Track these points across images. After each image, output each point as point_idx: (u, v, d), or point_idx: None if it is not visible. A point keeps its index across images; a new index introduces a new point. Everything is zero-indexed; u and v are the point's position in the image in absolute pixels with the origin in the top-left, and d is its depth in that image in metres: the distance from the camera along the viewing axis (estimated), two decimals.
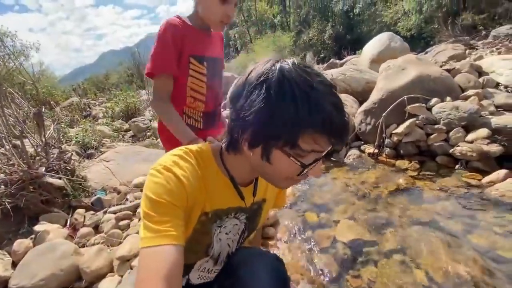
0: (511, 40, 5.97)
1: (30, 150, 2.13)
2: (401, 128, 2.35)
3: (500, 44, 5.79)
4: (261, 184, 0.72)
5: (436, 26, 10.79)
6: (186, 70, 1.09)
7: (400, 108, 2.47)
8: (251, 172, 0.62)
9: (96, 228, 1.95)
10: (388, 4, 15.73)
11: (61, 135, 2.49)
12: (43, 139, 2.11)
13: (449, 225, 1.59)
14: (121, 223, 1.92)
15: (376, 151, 2.55)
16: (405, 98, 2.41)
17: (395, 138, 2.42)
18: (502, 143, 1.94)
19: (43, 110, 2.32)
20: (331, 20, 18.86)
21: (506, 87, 2.39)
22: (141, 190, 2.40)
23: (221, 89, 1.26)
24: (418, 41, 12.54)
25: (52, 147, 2.18)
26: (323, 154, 0.53)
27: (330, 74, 4.04)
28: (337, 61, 8.18)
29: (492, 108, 2.20)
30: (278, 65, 0.50)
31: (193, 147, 0.62)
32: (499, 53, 4.75)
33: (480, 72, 2.67)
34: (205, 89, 1.16)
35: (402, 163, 2.35)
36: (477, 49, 5.92)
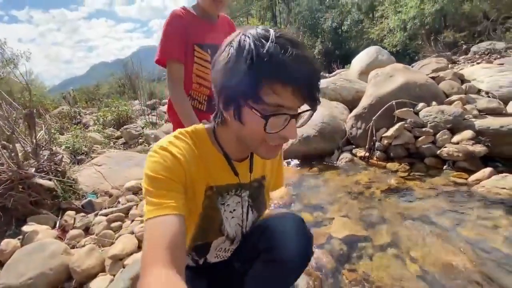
0: (491, 55, 6.33)
1: (20, 153, 2.09)
2: (390, 132, 2.43)
3: (481, 59, 6.13)
4: (257, 160, 0.73)
5: (420, 43, 11.33)
6: (191, 58, 1.15)
7: (389, 113, 2.56)
8: (238, 142, 0.62)
9: (87, 230, 1.90)
10: (374, 21, 16.48)
11: (51, 137, 2.45)
12: (34, 141, 2.08)
13: (439, 220, 1.63)
14: (113, 224, 1.88)
15: (367, 154, 2.61)
16: (394, 103, 2.51)
17: (385, 141, 2.49)
18: (486, 143, 2.04)
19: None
20: (320, 36, 19.53)
21: (487, 93, 2.53)
22: (134, 193, 2.37)
23: None
24: (403, 57, 13.08)
25: (43, 149, 2.14)
26: (294, 111, 0.52)
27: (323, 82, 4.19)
28: (327, 74, 8.44)
29: (475, 112, 2.31)
30: (241, 32, 0.53)
31: (189, 128, 0.65)
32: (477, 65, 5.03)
33: (462, 80, 2.82)
34: (210, 75, 1.20)
35: (393, 165, 2.41)
36: (458, 63, 6.24)
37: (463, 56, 7.05)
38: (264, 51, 0.47)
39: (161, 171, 0.53)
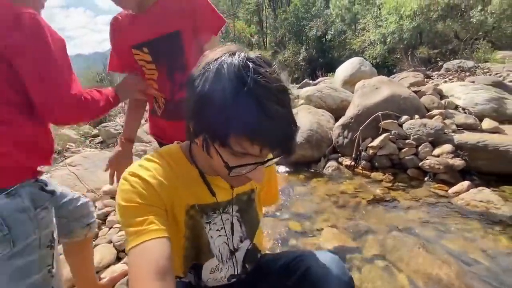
0: (461, 73, 6.80)
1: None
2: (376, 142, 2.50)
3: (452, 76, 6.59)
4: None
5: (398, 57, 11.91)
6: (136, 64, 1.06)
7: (374, 124, 2.63)
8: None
9: None
10: (356, 33, 17.14)
11: None
12: None
13: (423, 231, 1.68)
14: None
15: (353, 163, 2.66)
16: (380, 114, 2.58)
17: (370, 151, 2.55)
18: (464, 157, 2.14)
19: None
20: (305, 43, 19.96)
21: (464, 109, 2.68)
22: (112, 198, 2.23)
23: (182, 71, 1.04)
24: (382, 69, 13.68)
25: None
26: (262, 159, 0.49)
27: (306, 90, 4.26)
28: (310, 81, 8.62)
29: (454, 127, 2.43)
30: (222, 57, 0.47)
31: (163, 148, 0.64)
32: (452, 82, 5.40)
33: (441, 95, 2.97)
34: (156, 76, 1.07)
35: (377, 175, 2.47)
36: (432, 78, 6.65)
37: (436, 72, 7.53)
38: (236, 104, 0.43)
39: (134, 199, 0.51)
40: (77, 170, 2.55)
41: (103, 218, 1.92)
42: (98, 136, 4.27)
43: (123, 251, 1.56)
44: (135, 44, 1.02)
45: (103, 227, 1.85)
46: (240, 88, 0.43)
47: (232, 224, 0.68)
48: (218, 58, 0.47)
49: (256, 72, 0.44)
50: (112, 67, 1.14)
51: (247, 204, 0.71)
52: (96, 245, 1.60)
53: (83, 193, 2.26)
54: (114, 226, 1.82)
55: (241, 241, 0.70)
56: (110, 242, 1.63)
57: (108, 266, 1.43)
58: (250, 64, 0.45)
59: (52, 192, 0.81)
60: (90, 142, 4.02)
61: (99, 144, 4.00)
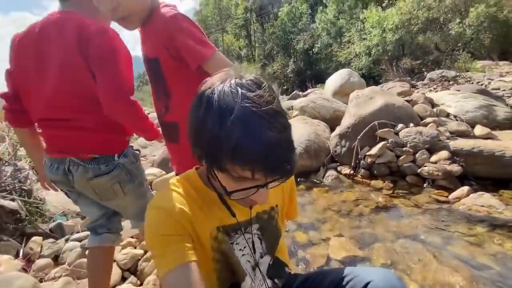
0: (444, 82, 7.13)
1: None
2: (374, 150, 2.54)
3: (435, 85, 6.91)
4: None
5: (383, 68, 12.37)
6: None
7: (371, 132, 2.68)
8: None
9: (56, 259, 1.66)
10: (342, 46, 17.73)
11: (16, 150, 2.16)
12: None
13: (429, 238, 1.69)
14: None
15: (352, 172, 2.69)
16: (376, 123, 2.64)
17: (368, 160, 2.59)
18: (460, 163, 2.21)
19: None
20: (293, 56, 20.47)
21: (455, 116, 2.79)
22: None
23: (165, 96, 1.04)
24: (368, 79, 14.14)
25: (6, 164, 1.87)
26: (262, 182, 0.49)
27: (300, 101, 4.34)
28: (300, 92, 8.79)
29: (447, 134, 2.52)
30: (215, 85, 0.48)
31: (181, 175, 0.66)
32: (436, 91, 5.65)
33: (432, 104, 3.09)
34: (154, 94, 1.10)
35: (377, 183, 2.50)
36: (417, 88, 6.94)
37: (420, 82, 7.85)
38: (224, 131, 0.44)
39: (157, 231, 0.54)
40: None
41: None
42: None
43: (128, 270, 1.50)
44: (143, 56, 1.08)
45: None
46: (228, 115, 0.44)
47: (253, 242, 0.68)
48: (211, 86, 0.48)
49: (244, 97, 0.45)
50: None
51: (268, 222, 0.71)
52: None
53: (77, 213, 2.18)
54: None
55: (261, 257, 0.71)
56: (113, 260, 1.56)
57: (114, 286, 1.37)
58: (240, 90, 0.45)
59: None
60: None
61: None
